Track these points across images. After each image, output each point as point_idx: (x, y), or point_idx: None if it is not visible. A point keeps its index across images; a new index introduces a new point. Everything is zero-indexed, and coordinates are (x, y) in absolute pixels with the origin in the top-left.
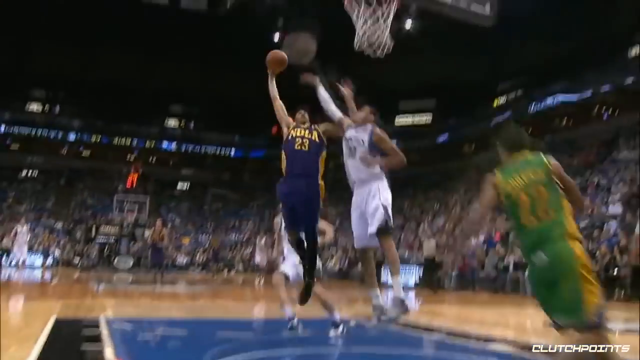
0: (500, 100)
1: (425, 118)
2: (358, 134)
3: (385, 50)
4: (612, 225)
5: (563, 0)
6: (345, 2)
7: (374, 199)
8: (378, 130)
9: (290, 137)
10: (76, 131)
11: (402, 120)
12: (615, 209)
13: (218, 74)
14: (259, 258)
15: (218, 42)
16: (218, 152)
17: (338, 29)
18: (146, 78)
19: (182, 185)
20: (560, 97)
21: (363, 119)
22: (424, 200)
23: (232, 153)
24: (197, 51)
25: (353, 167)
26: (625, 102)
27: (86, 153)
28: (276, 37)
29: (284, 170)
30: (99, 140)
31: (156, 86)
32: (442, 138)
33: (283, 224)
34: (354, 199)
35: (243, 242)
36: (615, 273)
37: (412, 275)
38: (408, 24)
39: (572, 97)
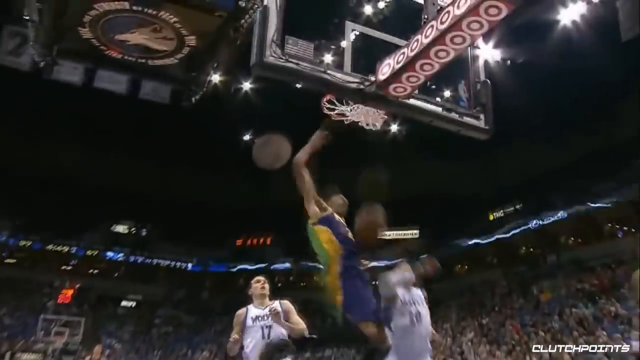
0: (497, 214)
1: (410, 232)
2: (418, 293)
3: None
4: None
5: (562, 107)
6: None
7: None
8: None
9: (338, 220)
10: (2, 233)
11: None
12: (638, 345)
13: (177, 176)
14: None
15: (180, 141)
16: (172, 265)
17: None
18: (93, 175)
19: (127, 303)
20: (565, 211)
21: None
22: None
23: (189, 267)
24: (155, 149)
25: (417, 335)
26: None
27: (11, 260)
28: (246, 137)
29: (335, 250)
30: (29, 245)
31: (105, 185)
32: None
33: (251, 316)
34: None
35: None
36: None
37: None
38: (392, 129)
39: (579, 211)
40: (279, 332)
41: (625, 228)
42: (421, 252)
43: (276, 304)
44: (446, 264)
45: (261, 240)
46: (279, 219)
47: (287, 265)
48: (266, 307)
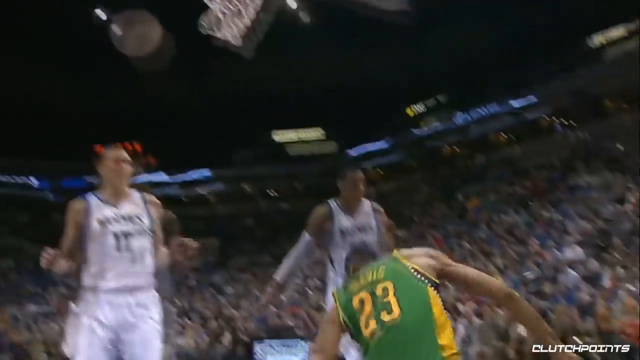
0: (417, 109)
1: (315, 134)
2: (361, 220)
3: (250, 44)
4: (571, 276)
5: None
6: None
7: None
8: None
9: None
10: None
11: (282, 136)
12: (574, 252)
13: (4, 68)
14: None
15: (3, 16)
16: (10, 182)
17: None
18: None
19: None
20: (498, 105)
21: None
22: None
23: (34, 183)
24: None
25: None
26: (584, 111)
27: None
28: (102, 15)
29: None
30: None
31: None
32: (335, 161)
33: (96, 217)
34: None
35: (49, 315)
36: (576, 341)
37: (299, 354)
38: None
39: (514, 105)
40: (142, 245)
41: (565, 122)
42: None
43: (137, 197)
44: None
45: (130, 148)
46: (153, 121)
47: (166, 177)
48: (123, 201)
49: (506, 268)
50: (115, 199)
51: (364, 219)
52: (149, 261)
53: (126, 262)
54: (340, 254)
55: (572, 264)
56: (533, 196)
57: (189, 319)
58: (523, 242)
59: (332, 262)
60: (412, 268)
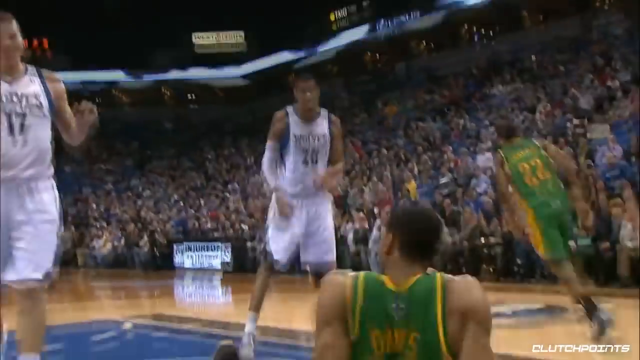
0: (339, 14)
1: (234, 39)
2: (314, 128)
3: None
4: (482, 182)
5: None
6: None
7: (327, 220)
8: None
9: None
10: None
11: (201, 40)
12: (485, 160)
13: None
14: None
15: None
16: None
17: None
18: None
19: None
20: (419, 12)
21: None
22: (234, 152)
23: None
24: None
25: (311, 175)
26: (500, 20)
27: None
28: None
29: None
30: None
31: None
32: (257, 66)
33: None
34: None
35: None
36: (482, 243)
37: (218, 257)
38: None
39: (433, 15)
40: (40, 128)
41: (483, 31)
42: None
43: (34, 74)
44: (275, 75)
45: (35, 44)
46: (66, 19)
47: (79, 77)
48: (18, 78)
49: (420, 174)
50: (6, 75)
51: (319, 127)
52: (46, 146)
53: (20, 147)
54: (292, 160)
55: (484, 170)
56: (449, 104)
57: (107, 222)
58: (438, 149)
59: (284, 168)
60: (446, 333)
